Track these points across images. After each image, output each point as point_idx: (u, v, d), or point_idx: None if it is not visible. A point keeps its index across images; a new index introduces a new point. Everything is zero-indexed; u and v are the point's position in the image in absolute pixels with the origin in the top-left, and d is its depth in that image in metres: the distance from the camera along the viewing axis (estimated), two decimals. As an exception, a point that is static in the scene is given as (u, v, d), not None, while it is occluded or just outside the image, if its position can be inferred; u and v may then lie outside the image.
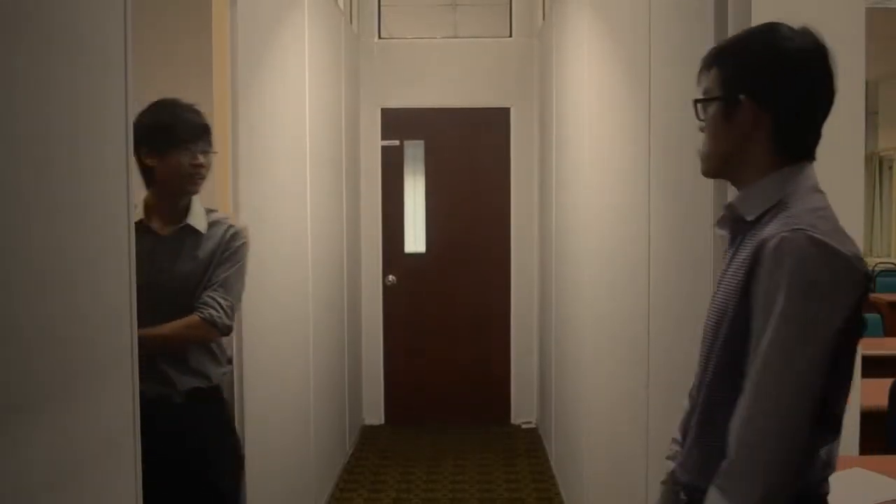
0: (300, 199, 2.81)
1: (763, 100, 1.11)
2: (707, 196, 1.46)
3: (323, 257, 3.32)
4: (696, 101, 1.16)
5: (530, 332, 4.54)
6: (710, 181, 1.44)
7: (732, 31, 1.40)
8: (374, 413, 4.59)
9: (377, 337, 4.58)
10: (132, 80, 1.36)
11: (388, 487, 3.65)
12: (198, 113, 1.74)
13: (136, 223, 1.41)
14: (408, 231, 4.58)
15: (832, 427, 1.09)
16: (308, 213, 2.95)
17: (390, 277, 4.56)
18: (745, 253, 1.10)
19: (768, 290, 1.03)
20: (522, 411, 4.59)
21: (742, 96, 1.12)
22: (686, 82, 1.43)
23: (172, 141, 1.70)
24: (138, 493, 1.23)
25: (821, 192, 1.13)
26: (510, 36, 4.57)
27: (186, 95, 1.77)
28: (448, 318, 4.58)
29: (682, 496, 1.16)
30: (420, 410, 4.61)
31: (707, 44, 1.44)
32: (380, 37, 4.57)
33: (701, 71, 1.17)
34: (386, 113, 4.55)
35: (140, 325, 1.27)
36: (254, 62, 2.13)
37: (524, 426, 4.54)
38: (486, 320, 4.59)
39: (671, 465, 1.22)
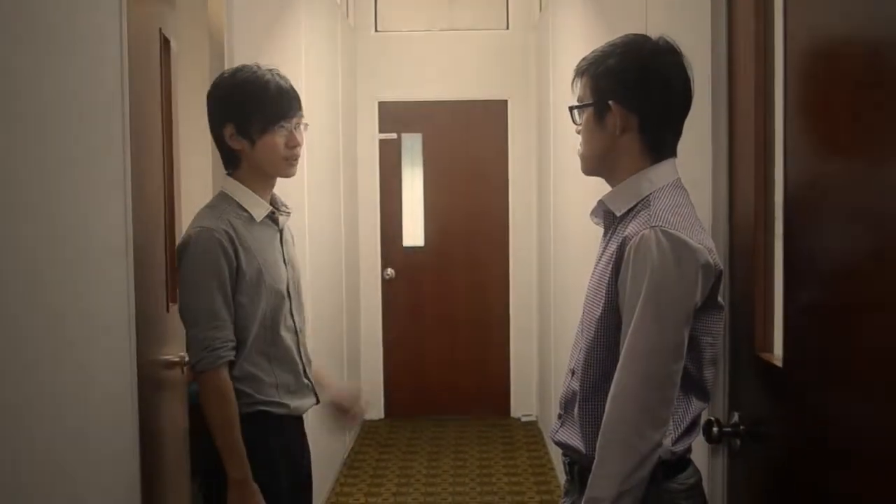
0: (297, 193, 2.82)
1: (629, 104, 1.23)
2: (705, 184, 1.47)
3: (321, 251, 3.33)
4: (571, 108, 1.29)
5: (530, 325, 4.55)
6: (709, 172, 1.46)
7: (727, 21, 1.44)
8: (374, 407, 4.59)
9: (376, 330, 4.58)
10: (126, 70, 1.38)
11: (388, 482, 3.67)
12: (285, 78, 1.61)
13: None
14: (406, 225, 4.58)
15: (699, 395, 1.23)
16: (306, 206, 2.95)
17: (389, 271, 4.56)
18: (613, 246, 1.21)
19: (634, 281, 1.15)
20: (522, 404, 4.61)
21: (611, 102, 1.24)
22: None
23: (266, 119, 1.57)
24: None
25: (682, 188, 1.24)
26: (507, 28, 4.57)
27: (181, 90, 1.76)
28: (447, 311, 4.59)
29: (564, 456, 1.32)
30: (419, 404, 4.61)
31: (703, 34, 1.47)
32: (377, 30, 4.57)
33: (574, 80, 1.29)
34: (383, 106, 4.54)
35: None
36: (251, 55, 2.14)
37: (524, 419, 4.55)
38: (485, 313, 4.60)
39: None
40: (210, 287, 1.53)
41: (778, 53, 1.26)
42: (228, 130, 1.60)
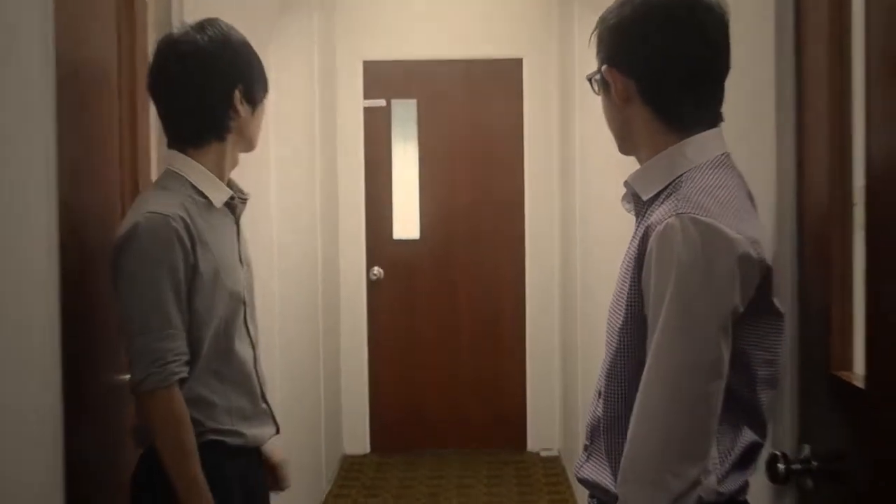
0: (262, 173, 2.82)
1: (620, 65, 1.27)
2: (766, 166, 1.47)
3: (290, 246, 3.33)
4: (589, 77, 1.35)
5: (551, 336, 4.56)
6: (772, 150, 1.46)
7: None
8: (358, 440, 4.61)
9: (360, 345, 4.59)
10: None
11: (375, 531, 3.68)
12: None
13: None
14: (397, 213, 4.58)
15: (752, 422, 1.22)
16: (271, 190, 2.96)
17: (375, 270, 4.57)
18: (637, 238, 1.23)
19: (657, 282, 1.16)
20: (542, 435, 4.62)
21: (604, 66, 1.29)
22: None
23: (265, 81, 1.74)
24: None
25: (728, 166, 1.25)
26: (522, -31, 4.59)
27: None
28: (448, 319, 4.60)
29: (590, 498, 1.34)
30: (414, 436, 4.63)
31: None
32: (360, -28, 4.59)
33: (590, 38, 1.36)
34: (369, 67, 4.54)
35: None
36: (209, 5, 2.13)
37: (544, 454, 4.57)
38: (495, 322, 4.61)
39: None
40: (163, 286, 1.54)
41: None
42: (238, 93, 1.67)
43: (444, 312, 4.60)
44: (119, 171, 1.79)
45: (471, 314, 4.60)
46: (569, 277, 4.19)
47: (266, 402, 1.75)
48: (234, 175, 1.76)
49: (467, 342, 4.61)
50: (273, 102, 2.99)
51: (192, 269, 1.58)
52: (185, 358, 1.57)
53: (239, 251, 1.74)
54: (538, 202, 4.56)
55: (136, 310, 1.55)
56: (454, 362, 4.61)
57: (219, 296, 1.61)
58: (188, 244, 1.56)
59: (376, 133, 4.57)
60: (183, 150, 1.67)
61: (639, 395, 1.18)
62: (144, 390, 1.54)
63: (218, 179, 1.68)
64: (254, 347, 1.75)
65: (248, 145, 1.76)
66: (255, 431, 1.69)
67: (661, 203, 1.23)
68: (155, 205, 1.58)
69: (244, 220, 1.79)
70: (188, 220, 1.58)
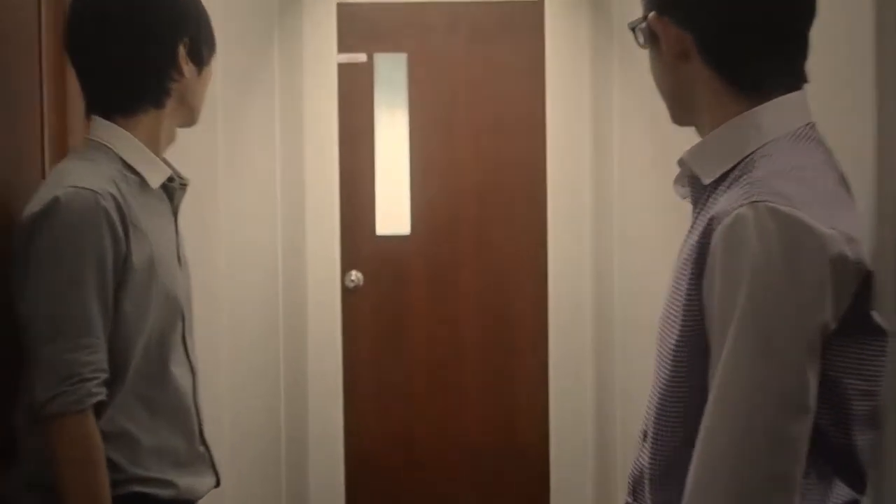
0: (206, 155, 2.83)
1: (673, 13, 1.29)
2: (864, 140, 1.46)
3: (244, 246, 3.33)
4: (632, 28, 1.39)
5: (582, 363, 4.56)
6: (871, 123, 1.44)
7: None
8: (329, 495, 4.59)
9: (333, 371, 4.59)
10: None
11: None
12: None
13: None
14: (382, 201, 4.59)
15: (847, 472, 1.22)
16: (219, 176, 2.97)
17: (353, 276, 4.57)
18: (695, 234, 1.24)
19: (726, 290, 1.17)
20: (570, 492, 4.61)
21: (651, 13, 1.32)
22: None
23: (213, 37, 1.83)
24: None
25: (813, 138, 1.27)
26: None
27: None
28: (448, 340, 4.60)
29: None
30: (403, 491, 4.62)
31: None
32: None
33: None
34: (345, 10, 4.54)
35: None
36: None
37: (571, 515, 4.56)
38: (509, 345, 4.60)
39: None
40: (85, 281, 1.55)
41: None
42: (182, 49, 1.73)
43: (443, 330, 4.60)
44: (40, 149, 1.83)
45: (477, 333, 4.60)
46: (604, 283, 4.18)
47: (205, 443, 1.78)
48: (175, 160, 1.80)
49: (472, 369, 4.61)
50: (219, 62, 3.00)
51: (123, 261, 1.60)
52: (105, 376, 1.58)
53: (177, 249, 1.77)
54: (564, 187, 4.54)
55: (46, 309, 1.55)
56: (456, 395, 4.61)
57: (154, 297, 1.64)
58: (119, 229, 1.58)
59: (354, 97, 4.56)
60: (108, 118, 1.70)
61: (700, 439, 1.19)
62: (49, 414, 1.53)
63: (153, 154, 1.72)
64: (193, 373, 1.78)
65: (190, 116, 1.81)
66: (190, 481, 1.71)
67: (729, 188, 1.24)
68: (79, 178, 1.59)
69: (181, 213, 1.81)
70: (120, 200, 1.60)
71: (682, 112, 1.38)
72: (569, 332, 4.57)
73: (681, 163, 1.34)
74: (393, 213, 4.60)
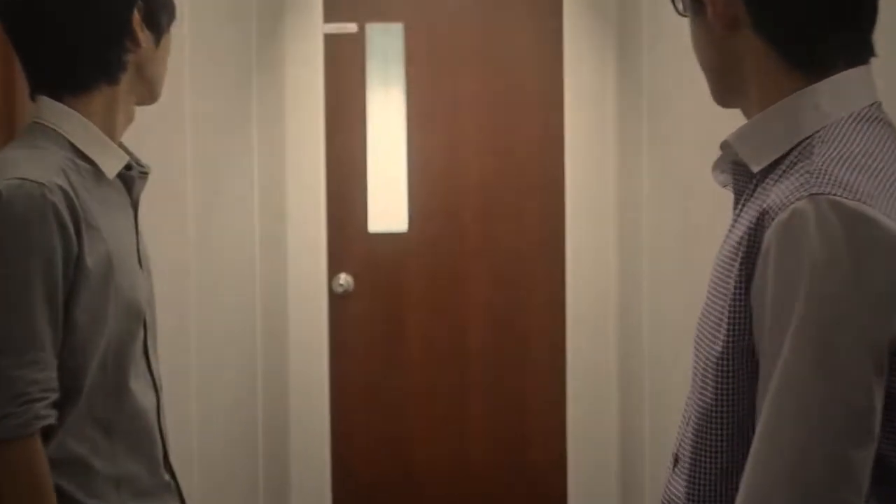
0: (172, 140, 2.83)
1: None
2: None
3: (216, 246, 3.35)
4: None
5: (604, 379, 4.57)
6: None
7: None
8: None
9: (318, 389, 4.60)
10: None
11: None
12: None
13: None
14: (375, 194, 4.60)
15: None
16: (188, 165, 2.97)
17: (342, 279, 4.57)
18: (741, 228, 1.25)
19: (780, 296, 1.17)
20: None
21: None
22: None
23: (171, 9, 1.84)
24: None
25: (880, 120, 1.26)
26: None
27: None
28: (451, 353, 4.61)
29: None
30: (399, 526, 4.63)
31: None
32: None
33: None
34: (332, -26, 4.55)
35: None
36: None
37: (592, 553, 4.56)
38: (519, 360, 4.61)
39: None
40: (32, 287, 1.56)
41: None
42: (136, 15, 1.73)
43: (445, 343, 4.61)
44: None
45: (484, 345, 4.61)
46: (631, 286, 4.19)
47: (171, 471, 1.80)
48: (132, 145, 1.80)
49: (479, 387, 4.62)
50: (185, 29, 2.98)
51: (76, 264, 1.60)
52: (56, 396, 1.59)
53: (138, 248, 1.78)
54: (584, 176, 4.55)
55: None
56: (460, 416, 4.62)
57: (112, 304, 1.65)
58: (71, 226, 1.59)
59: (343, 74, 4.57)
60: (56, 98, 1.70)
61: (748, 468, 1.18)
62: None
63: (108, 139, 1.71)
64: (157, 391, 1.79)
65: (149, 92, 1.81)
66: None
67: (781, 178, 1.24)
68: (23, 168, 1.59)
69: (142, 206, 1.80)
70: (71, 193, 1.60)
71: (727, 90, 1.38)
72: (590, 343, 4.58)
73: (724, 146, 1.34)
74: (388, 208, 4.60)
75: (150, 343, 1.78)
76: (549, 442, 4.62)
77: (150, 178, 1.84)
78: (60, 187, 1.59)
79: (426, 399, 4.62)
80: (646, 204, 3.82)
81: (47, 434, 1.59)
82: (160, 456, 1.77)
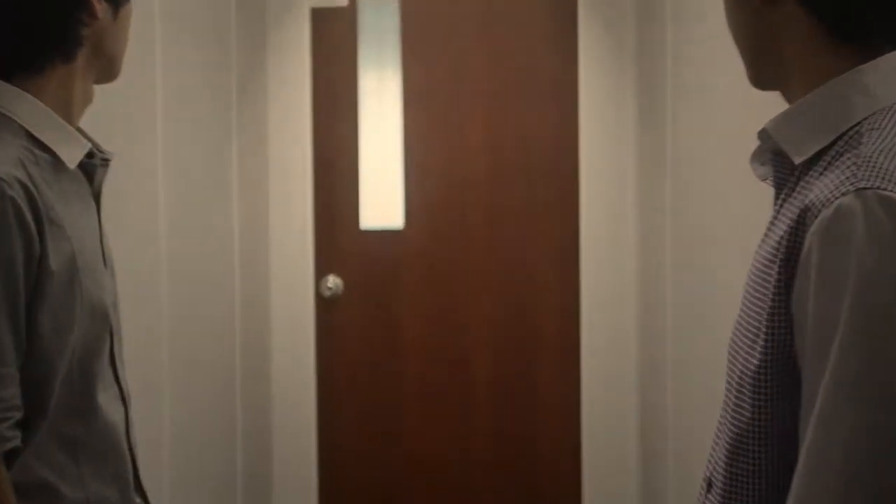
0: (140, 124, 2.83)
1: None
2: None
3: (189, 244, 3.35)
4: None
5: (623, 395, 4.58)
6: None
7: None
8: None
9: (304, 402, 4.60)
10: None
11: None
12: None
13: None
14: (367, 187, 4.60)
15: None
16: (158, 152, 2.98)
17: (331, 282, 4.58)
18: (782, 226, 1.26)
19: (824, 302, 1.16)
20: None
21: None
22: None
23: None
24: None
25: None
26: None
27: None
28: (453, 363, 4.61)
29: None
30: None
31: None
32: None
33: None
34: (321, -58, 4.55)
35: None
36: None
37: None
38: (528, 371, 4.62)
39: None
40: None
41: None
42: None
43: (445, 352, 4.61)
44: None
45: (489, 356, 4.61)
46: (652, 294, 4.18)
47: (142, 492, 1.81)
48: (95, 132, 1.79)
49: (484, 402, 4.62)
50: (157, 8, 2.98)
51: (38, 265, 1.60)
52: (19, 416, 1.59)
53: (102, 245, 1.79)
54: (601, 170, 4.55)
55: None
56: (463, 435, 4.62)
57: (78, 310, 1.65)
58: (32, 224, 1.59)
59: (332, 53, 4.57)
60: (5, 79, 1.70)
61: (792, 495, 1.17)
62: None
63: (67, 124, 1.71)
64: (125, 403, 1.81)
65: (109, 69, 1.82)
66: None
67: (826, 169, 1.23)
68: None
69: (106, 199, 1.82)
70: (31, 187, 1.60)
71: (765, 71, 1.38)
72: (607, 347, 4.58)
73: (762, 135, 1.34)
74: (382, 202, 4.61)
75: (116, 350, 1.78)
76: (562, 466, 4.63)
77: (116, 168, 1.85)
78: (19, 181, 1.58)
79: (424, 416, 4.63)
80: (670, 198, 3.81)
81: (10, 456, 1.59)
82: (130, 476, 1.78)
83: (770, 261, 1.25)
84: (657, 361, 4.05)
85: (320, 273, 4.59)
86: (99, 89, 1.84)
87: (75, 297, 1.64)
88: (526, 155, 4.58)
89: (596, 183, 4.55)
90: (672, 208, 3.79)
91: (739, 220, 2.85)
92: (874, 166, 1.17)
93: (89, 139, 1.78)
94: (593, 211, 4.55)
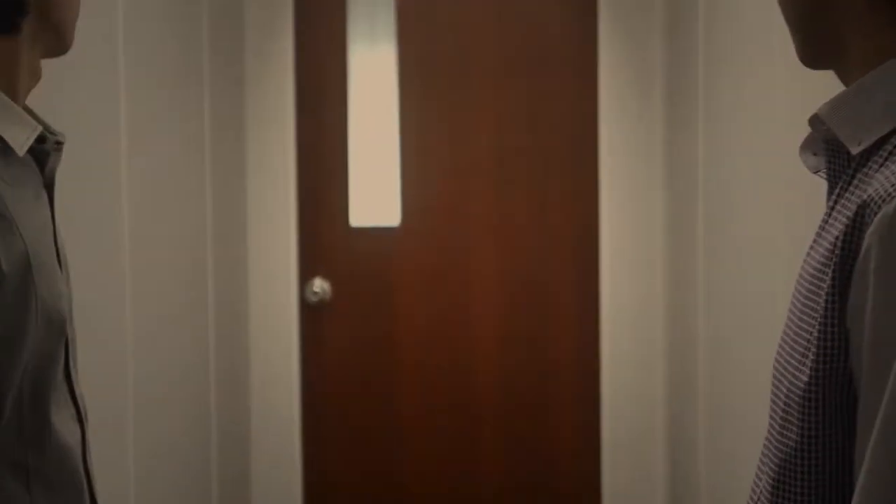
0: (98, 106, 2.84)
1: None
2: None
3: (157, 242, 3.35)
4: None
5: (649, 416, 4.58)
6: None
7: None
8: None
9: (287, 422, 4.61)
10: None
11: None
12: None
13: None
14: (357, 180, 4.62)
15: None
16: (122, 138, 2.98)
17: (317, 285, 4.59)
18: (838, 225, 1.26)
19: (880, 312, 1.16)
20: None
21: None
22: None
23: None
24: None
25: None
26: None
27: None
28: (453, 381, 4.61)
29: None
30: None
31: None
32: None
33: None
34: None
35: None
36: None
37: None
38: (539, 386, 4.62)
39: None
40: None
41: None
42: None
43: (447, 366, 4.62)
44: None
45: (496, 371, 4.62)
46: (683, 304, 4.18)
47: None
48: (45, 114, 1.77)
49: (490, 423, 4.63)
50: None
51: None
52: None
53: (56, 242, 1.77)
54: (623, 161, 4.56)
55: None
56: (466, 459, 4.62)
57: (32, 317, 1.64)
58: None
59: (319, 27, 4.57)
60: None
61: (861, 495, 1.17)
62: None
63: (14, 104, 1.70)
64: (82, 423, 1.79)
65: (58, 40, 1.80)
66: None
67: (889, 160, 1.23)
68: None
69: (61, 193, 1.80)
70: None
71: (817, 48, 1.38)
72: (629, 361, 4.58)
73: (814, 121, 1.33)
74: (375, 196, 4.62)
75: (72, 364, 1.77)
76: (579, 496, 4.64)
77: (72, 157, 1.83)
78: None
79: (422, 438, 4.64)
80: (703, 193, 3.80)
81: None
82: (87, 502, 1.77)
83: (823, 265, 1.25)
84: (686, 371, 4.05)
85: (305, 276, 4.60)
86: (49, 66, 1.83)
87: (29, 304, 1.63)
88: (539, 143, 4.59)
89: (618, 175, 4.56)
90: (706, 204, 3.78)
91: (786, 219, 2.84)
92: None
93: (40, 121, 1.77)
94: (615, 207, 4.56)
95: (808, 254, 1.31)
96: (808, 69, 1.43)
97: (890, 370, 1.14)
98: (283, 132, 4.56)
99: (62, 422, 1.72)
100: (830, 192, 1.34)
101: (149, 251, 3.22)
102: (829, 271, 1.23)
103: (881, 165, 1.23)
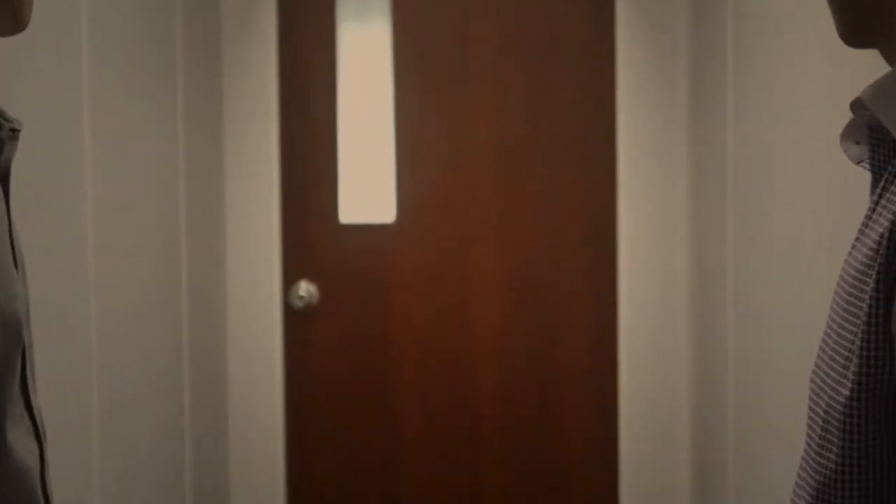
0: (60, 94, 2.86)
1: None
2: None
3: (125, 242, 3.36)
4: None
5: (675, 435, 4.60)
6: None
7: None
8: None
9: (270, 445, 4.62)
10: None
11: None
12: None
13: None
14: (347, 173, 4.64)
15: None
16: (85, 125, 2.99)
17: (303, 289, 4.59)
18: (882, 222, 1.26)
19: None
20: None
21: None
22: None
23: None
24: None
25: None
26: None
27: None
28: (452, 392, 4.62)
29: None
30: None
31: None
32: None
33: None
34: None
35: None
36: None
37: None
38: (550, 400, 4.64)
39: None
40: None
41: None
42: None
43: (447, 376, 4.64)
44: None
45: (501, 383, 4.64)
46: (710, 306, 4.19)
47: None
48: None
49: (496, 443, 4.65)
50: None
51: None
52: None
53: (11, 238, 1.77)
54: (643, 151, 4.58)
55: None
56: (468, 480, 4.65)
57: None
58: None
59: (305, 9, 4.59)
60: None
61: None
62: None
63: None
64: (40, 440, 1.79)
65: (14, 17, 1.80)
66: None
67: None
68: None
69: (17, 187, 1.78)
70: None
71: (858, 25, 1.38)
72: (653, 374, 4.60)
73: (856, 106, 1.32)
74: (367, 191, 4.64)
75: (29, 374, 1.77)
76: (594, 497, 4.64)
77: (29, 146, 1.82)
78: None
79: (419, 452, 4.66)
80: (732, 188, 3.80)
81: None
82: None
83: (866, 265, 1.24)
84: (714, 353, 4.05)
85: (290, 279, 4.63)
86: (2, 46, 1.83)
87: None
88: (549, 133, 4.61)
89: (638, 168, 4.58)
90: (735, 199, 3.78)
91: (826, 214, 2.83)
92: None
93: None
94: (634, 204, 4.58)
95: (850, 253, 1.30)
96: (849, 48, 1.43)
97: None
98: (265, 120, 4.58)
99: (18, 439, 1.72)
100: (875, 185, 1.33)
101: (115, 249, 3.23)
102: (874, 272, 1.22)
103: None
